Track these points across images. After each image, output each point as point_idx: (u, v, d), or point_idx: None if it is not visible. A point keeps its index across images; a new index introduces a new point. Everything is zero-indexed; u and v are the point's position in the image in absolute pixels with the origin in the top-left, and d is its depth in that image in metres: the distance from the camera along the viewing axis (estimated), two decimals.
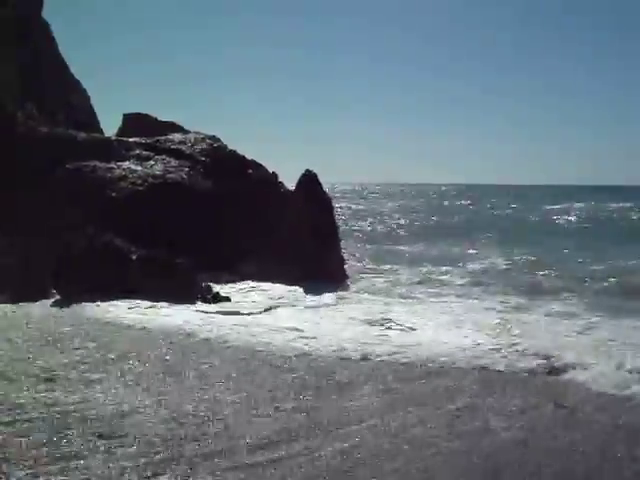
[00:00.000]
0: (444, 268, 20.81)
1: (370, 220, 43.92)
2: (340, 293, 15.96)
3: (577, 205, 59.27)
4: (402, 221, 43.55)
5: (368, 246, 27.95)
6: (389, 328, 11.83)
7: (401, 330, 11.68)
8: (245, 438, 6.37)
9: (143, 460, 5.75)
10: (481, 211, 55.55)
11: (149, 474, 5.52)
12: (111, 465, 5.63)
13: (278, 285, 16.38)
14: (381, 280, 18.74)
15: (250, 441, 6.30)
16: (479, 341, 10.59)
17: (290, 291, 15.96)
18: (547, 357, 9.55)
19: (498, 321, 12.59)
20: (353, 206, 58.37)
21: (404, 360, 9.61)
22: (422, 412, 7.27)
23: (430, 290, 17.17)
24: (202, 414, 6.99)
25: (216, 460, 5.86)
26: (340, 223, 29.20)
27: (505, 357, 9.73)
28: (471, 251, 25.98)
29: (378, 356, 9.83)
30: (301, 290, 15.92)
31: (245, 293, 15.89)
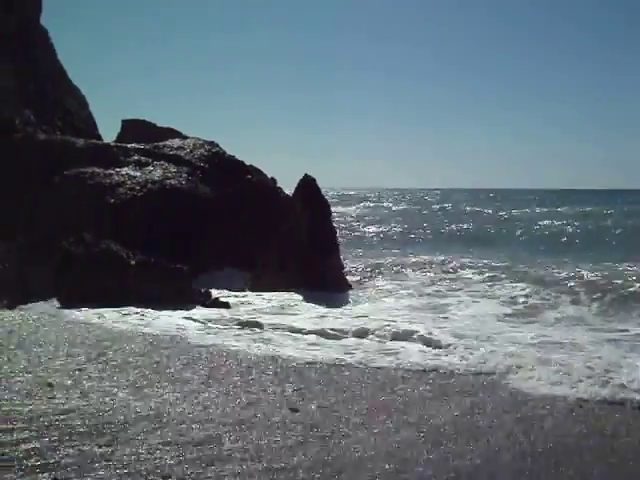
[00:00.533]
0: (448, 274, 20.26)
1: (371, 225, 43.71)
2: (340, 301, 15.86)
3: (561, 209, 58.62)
4: (399, 227, 43.22)
5: (368, 252, 27.88)
6: (384, 338, 11.73)
7: (395, 339, 11.57)
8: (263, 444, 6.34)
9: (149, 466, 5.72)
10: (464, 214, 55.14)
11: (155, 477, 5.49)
12: (114, 473, 5.59)
13: (277, 292, 16.29)
14: (382, 287, 18.63)
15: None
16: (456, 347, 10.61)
17: (288, 298, 15.88)
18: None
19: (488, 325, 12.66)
20: (353, 210, 58.15)
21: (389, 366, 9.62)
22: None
23: (432, 296, 17.03)
24: (205, 420, 6.95)
25: (226, 465, 5.83)
26: (342, 228, 29.21)
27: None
28: (470, 255, 25.82)
29: (370, 362, 9.85)
30: (300, 297, 15.83)
31: (243, 299, 15.83)
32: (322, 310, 14.40)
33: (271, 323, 12.82)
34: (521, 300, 15.93)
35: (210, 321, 12.97)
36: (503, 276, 18.95)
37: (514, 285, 17.54)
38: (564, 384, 8.56)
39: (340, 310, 14.49)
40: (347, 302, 15.84)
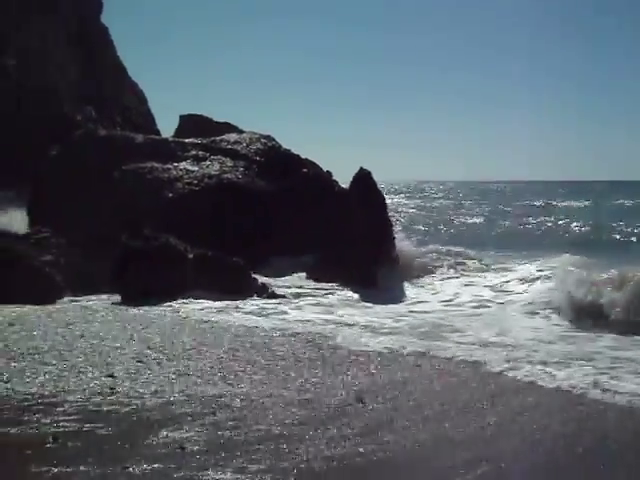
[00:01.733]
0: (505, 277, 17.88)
1: (426, 220, 43.19)
2: (401, 296, 15.67)
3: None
4: (458, 221, 42.52)
5: (428, 247, 27.10)
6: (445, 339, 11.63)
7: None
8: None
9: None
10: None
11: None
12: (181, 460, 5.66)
13: (335, 286, 16.27)
14: (438, 285, 17.98)
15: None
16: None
17: (345, 292, 15.84)
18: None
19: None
20: (408, 203, 57.69)
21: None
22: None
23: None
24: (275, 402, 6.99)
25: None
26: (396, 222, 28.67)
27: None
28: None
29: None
30: (357, 293, 15.69)
31: (301, 292, 15.88)
32: (381, 305, 14.33)
33: (330, 315, 12.89)
34: None
35: (269, 311, 13.17)
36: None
37: None
38: None
39: (402, 306, 14.37)
40: (406, 297, 15.66)
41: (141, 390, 7.61)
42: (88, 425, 6.43)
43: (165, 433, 6.28)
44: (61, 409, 6.83)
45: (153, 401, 7.22)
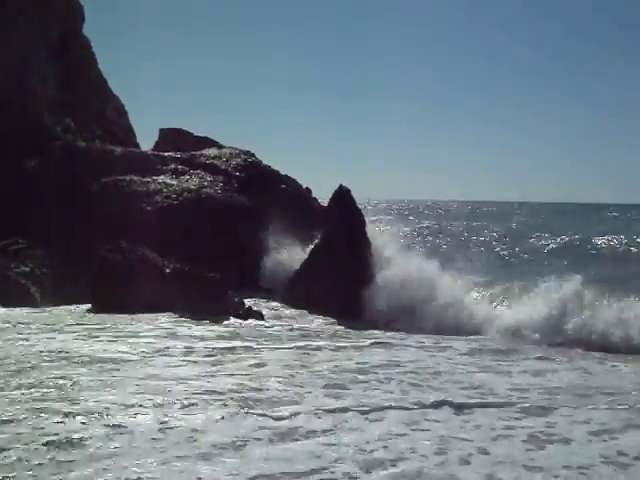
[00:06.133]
0: None
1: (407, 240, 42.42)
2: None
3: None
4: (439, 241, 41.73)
5: None
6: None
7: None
8: None
9: None
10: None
11: None
12: None
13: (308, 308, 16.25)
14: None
15: None
16: None
17: (320, 316, 15.71)
18: None
19: None
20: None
21: None
22: None
23: None
24: None
25: None
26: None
27: None
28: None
29: None
30: (335, 323, 15.47)
31: (274, 310, 15.97)
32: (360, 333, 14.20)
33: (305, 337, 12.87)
34: None
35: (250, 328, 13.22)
36: None
37: None
38: None
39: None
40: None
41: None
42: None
43: None
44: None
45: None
